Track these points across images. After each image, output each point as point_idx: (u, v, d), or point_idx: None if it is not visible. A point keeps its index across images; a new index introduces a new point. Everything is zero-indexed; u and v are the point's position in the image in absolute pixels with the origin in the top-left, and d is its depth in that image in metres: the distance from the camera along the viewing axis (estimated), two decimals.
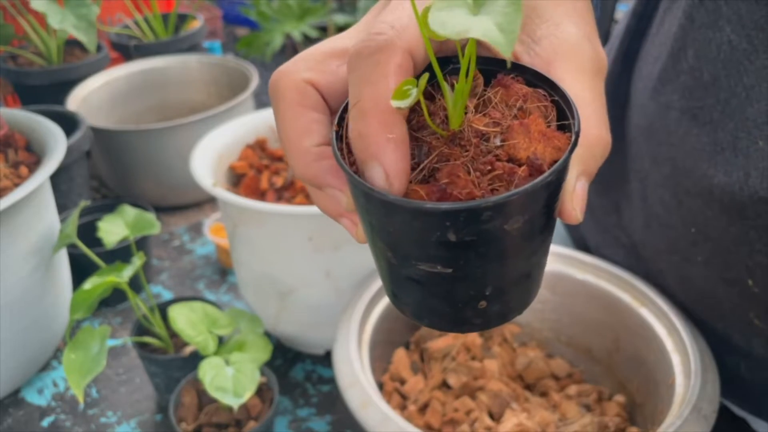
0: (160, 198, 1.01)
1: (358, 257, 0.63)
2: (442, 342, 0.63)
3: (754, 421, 0.57)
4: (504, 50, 0.20)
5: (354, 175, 0.25)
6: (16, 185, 0.65)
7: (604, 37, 0.57)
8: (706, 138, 0.46)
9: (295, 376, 0.73)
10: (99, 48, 1.20)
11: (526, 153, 0.25)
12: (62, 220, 0.76)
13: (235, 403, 0.56)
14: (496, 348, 0.64)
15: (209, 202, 1.04)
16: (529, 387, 0.64)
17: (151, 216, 0.70)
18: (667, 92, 0.50)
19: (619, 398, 0.60)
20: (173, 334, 0.67)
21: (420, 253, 0.25)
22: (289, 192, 0.76)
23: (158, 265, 0.91)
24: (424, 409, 0.59)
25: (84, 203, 0.72)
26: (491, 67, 0.28)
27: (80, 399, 0.56)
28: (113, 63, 1.25)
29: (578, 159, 0.28)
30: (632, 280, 0.60)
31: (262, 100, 1.40)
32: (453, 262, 0.25)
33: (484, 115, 0.27)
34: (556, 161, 0.25)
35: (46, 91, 1.09)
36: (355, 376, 0.52)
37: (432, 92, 0.28)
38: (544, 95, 0.27)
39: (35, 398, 0.71)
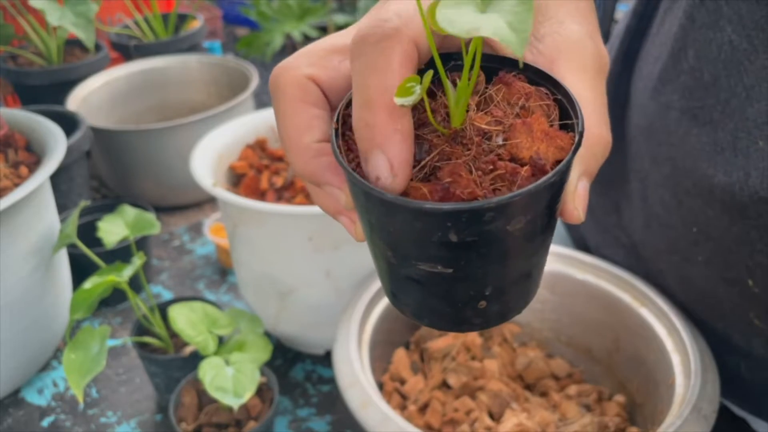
0: (160, 198, 1.01)
1: (358, 257, 0.63)
2: (442, 342, 0.63)
3: (754, 421, 0.57)
4: (516, 50, 0.20)
5: (354, 173, 0.25)
6: (16, 185, 0.65)
7: (605, 37, 0.57)
8: (706, 138, 0.46)
9: (295, 376, 0.73)
10: (99, 48, 1.20)
11: (529, 152, 0.25)
12: (62, 220, 0.76)
13: (235, 403, 0.56)
14: (496, 348, 0.64)
15: (209, 202, 1.04)
16: (529, 387, 0.64)
17: (151, 216, 0.70)
18: (667, 92, 0.50)
19: (619, 398, 0.60)
20: (173, 334, 0.67)
21: (420, 252, 0.25)
22: (289, 192, 0.76)
23: (158, 265, 0.91)
24: (424, 409, 0.59)
25: (84, 203, 0.72)
26: (492, 64, 0.28)
27: (80, 399, 0.56)
28: (113, 63, 1.25)
29: (580, 159, 0.28)
30: (632, 280, 0.60)
31: (262, 100, 1.40)
32: (454, 262, 0.25)
33: (486, 113, 0.26)
34: (558, 161, 0.25)
35: (46, 91, 1.09)
36: (355, 376, 0.52)
37: (433, 89, 0.28)
38: (547, 93, 0.27)
39: (35, 398, 0.71)
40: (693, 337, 0.55)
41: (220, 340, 0.63)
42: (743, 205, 0.45)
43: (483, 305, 0.27)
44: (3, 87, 1.17)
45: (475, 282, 0.26)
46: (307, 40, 1.70)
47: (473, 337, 0.64)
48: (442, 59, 0.26)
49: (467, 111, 0.26)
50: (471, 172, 0.25)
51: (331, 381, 0.72)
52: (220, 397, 0.56)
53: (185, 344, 0.66)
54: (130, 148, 0.98)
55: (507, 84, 0.27)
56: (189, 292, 0.86)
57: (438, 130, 0.26)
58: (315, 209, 0.58)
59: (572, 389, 0.61)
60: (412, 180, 0.25)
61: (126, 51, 1.28)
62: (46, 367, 0.75)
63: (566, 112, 0.27)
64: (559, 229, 0.76)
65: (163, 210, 1.00)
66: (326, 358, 0.74)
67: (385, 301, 0.61)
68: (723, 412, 0.55)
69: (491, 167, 0.25)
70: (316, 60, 0.29)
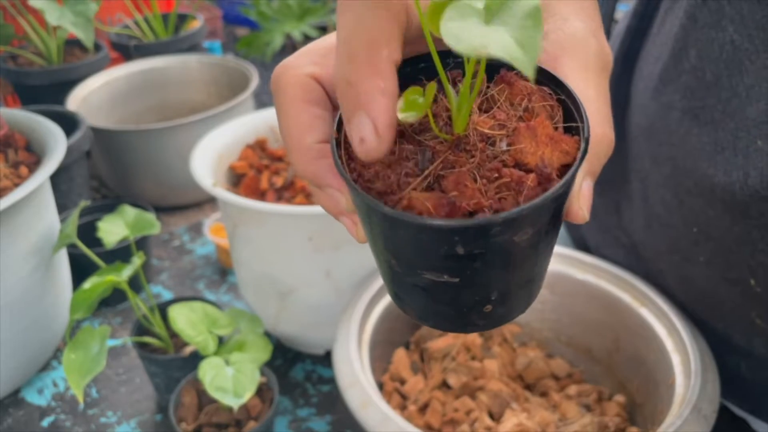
0: (160, 198, 1.01)
1: (358, 257, 0.63)
2: (442, 342, 0.63)
3: (754, 421, 0.57)
4: (526, 70, 0.19)
5: (355, 186, 0.24)
6: (16, 185, 0.65)
7: (605, 37, 0.57)
8: (706, 138, 0.46)
9: (295, 376, 0.72)
10: (99, 48, 1.20)
11: (534, 158, 0.24)
12: (62, 220, 0.76)
13: (235, 403, 0.56)
14: (496, 348, 0.64)
15: (209, 202, 1.04)
16: (529, 387, 0.63)
17: (151, 216, 0.70)
18: (668, 92, 0.50)
19: (619, 398, 0.60)
20: (173, 334, 0.67)
21: (425, 263, 0.25)
22: (289, 192, 0.76)
23: (158, 265, 0.91)
24: (424, 409, 0.59)
25: (84, 203, 0.72)
26: (492, 61, 0.27)
27: (80, 399, 0.56)
28: (113, 63, 1.25)
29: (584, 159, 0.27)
30: (632, 280, 0.60)
31: (262, 100, 1.40)
32: (460, 272, 0.25)
33: (489, 116, 0.26)
34: (563, 165, 0.25)
35: (46, 91, 1.09)
36: (355, 376, 0.52)
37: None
38: (550, 93, 0.26)
39: (35, 398, 0.71)
40: (693, 337, 0.55)
41: (220, 340, 0.63)
42: (744, 204, 0.45)
43: (488, 309, 0.27)
44: (3, 87, 1.17)
45: (480, 289, 0.26)
46: (307, 39, 1.70)
47: (473, 337, 0.64)
48: (440, 56, 0.25)
49: (470, 114, 0.26)
50: (476, 180, 0.24)
51: (331, 381, 0.72)
52: (220, 397, 0.56)
53: (185, 344, 0.66)
54: (130, 148, 0.98)
55: (509, 83, 0.27)
56: (189, 292, 0.85)
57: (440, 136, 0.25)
58: (315, 209, 0.58)
59: (572, 389, 0.61)
60: (415, 189, 0.24)
61: (126, 51, 1.28)
62: (46, 367, 0.75)
63: (570, 113, 0.26)
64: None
65: (163, 210, 1.00)
66: (326, 358, 0.74)
67: (385, 301, 0.61)
68: (723, 412, 0.55)
69: (496, 175, 0.24)
70: (318, 58, 0.28)
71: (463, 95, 0.24)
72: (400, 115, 0.23)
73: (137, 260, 0.62)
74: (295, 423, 0.67)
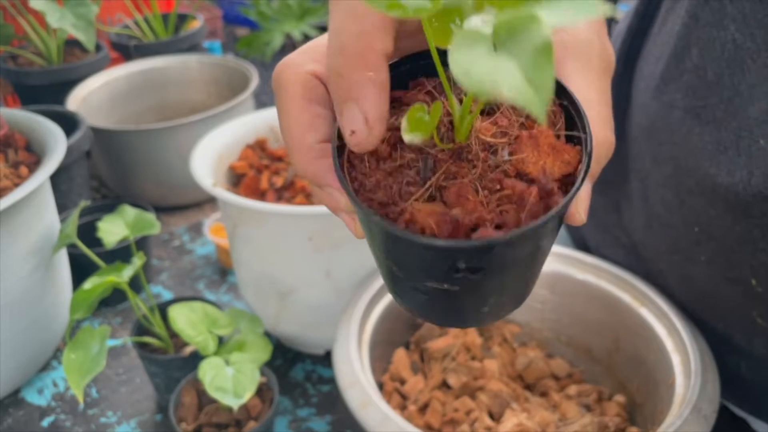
0: (160, 198, 1.01)
1: (358, 257, 0.63)
2: (442, 342, 0.63)
3: (754, 421, 0.57)
4: (539, 113, 0.17)
5: (357, 198, 0.24)
6: (16, 185, 0.65)
7: None
8: (708, 137, 0.46)
9: (295, 376, 0.72)
10: (99, 48, 1.20)
11: (535, 168, 0.24)
12: (62, 220, 0.76)
13: (235, 403, 0.56)
14: (496, 348, 0.64)
15: (209, 202, 1.04)
16: (529, 387, 0.63)
17: (151, 216, 0.70)
18: (670, 91, 0.50)
19: (619, 398, 0.60)
20: (173, 334, 0.67)
21: (427, 274, 0.25)
22: (289, 192, 0.76)
23: (158, 265, 0.91)
24: (424, 409, 0.59)
25: (84, 203, 0.72)
26: None
27: (80, 399, 0.55)
28: (113, 63, 1.25)
29: None
30: (632, 280, 0.60)
31: (262, 100, 1.40)
32: (460, 282, 0.25)
33: (491, 122, 0.25)
34: (565, 175, 0.25)
35: (46, 91, 1.09)
36: (355, 376, 0.52)
37: (434, 93, 0.27)
38: (552, 98, 0.26)
39: (35, 398, 0.71)
40: (693, 337, 0.55)
41: (220, 340, 0.63)
42: (746, 204, 0.44)
43: (485, 310, 0.27)
44: (3, 87, 1.17)
45: (480, 296, 0.26)
46: (307, 39, 1.70)
47: (473, 337, 0.64)
48: (440, 55, 0.24)
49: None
50: (477, 192, 0.24)
51: (331, 381, 0.72)
52: (220, 397, 0.56)
53: (185, 344, 0.66)
54: (130, 148, 0.98)
55: None
56: (189, 292, 0.85)
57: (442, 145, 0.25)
58: (315, 209, 0.58)
59: (572, 389, 0.61)
60: (418, 200, 0.24)
61: (126, 51, 1.28)
62: (46, 367, 0.75)
63: (572, 118, 0.26)
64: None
65: (163, 210, 1.00)
66: (326, 358, 0.74)
67: (385, 301, 0.61)
68: (723, 412, 0.55)
69: (498, 186, 0.24)
70: (320, 56, 0.28)
71: (466, 106, 0.24)
72: (406, 137, 0.23)
73: (137, 260, 0.62)
74: (295, 423, 0.67)
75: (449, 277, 0.24)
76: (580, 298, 0.63)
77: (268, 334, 0.74)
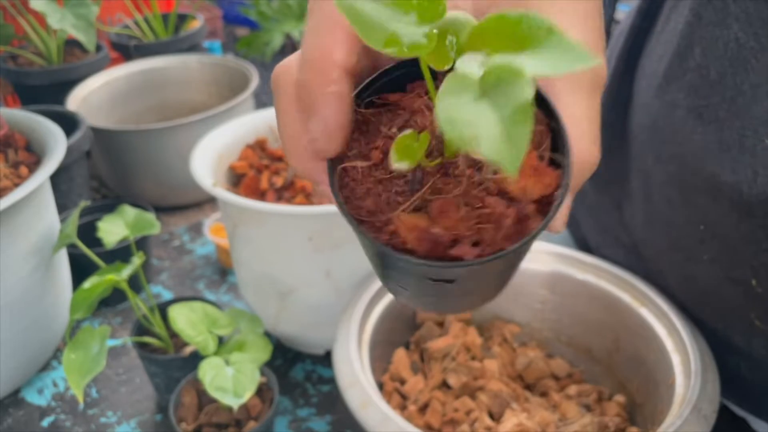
0: (160, 198, 1.01)
1: (358, 257, 0.63)
2: (442, 342, 0.63)
3: (754, 421, 0.57)
4: (510, 169, 0.18)
5: (345, 208, 0.25)
6: (16, 185, 0.65)
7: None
8: (711, 136, 0.46)
9: (295, 376, 0.73)
10: (99, 48, 1.20)
11: (516, 187, 0.25)
12: (62, 220, 0.76)
13: (235, 403, 0.56)
14: (496, 348, 0.64)
15: (209, 202, 1.04)
16: (529, 387, 0.63)
17: (151, 216, 0.70)
18: (672, 90, 0.50)
19: (619, 398, 0.60)
20: (173, 334, 0.67)
21: (410, 278, 0.28)
22: (289, 192, 0.76)
23: (158, 265, 0.91)
24: (424, 409, 0.59)
25: (84, 203, 0.72)
26: None
27: (80, 399, 0.56)
28: (113, 63, 1.25)
29: None
30: (632, 280, 0.60)
31: (262, 100, 1.40)
32: (436, 288, 0.27)
33: None
34: (544, 196, 0.25)
35: (46, 91, 1.09)
36: (355, 376, 0.52)
37: (423, 107, 0.27)
38: (539, 118, 0.26)
39: (35, 398, 0.71)
40: (693, 337, 0.55)
41: (220, 340, 0.63)
42: (751, 203, 0.44)
43: (462, 304, 0.32)
44: (3, 87, 1.17)
45: (455, 296, 0.30)
46: None
47: (473, 337, 0.64)
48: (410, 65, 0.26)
49: None
50: (459, 208, 0.25)
51: (331, 381, 0.72)
52: (220, 397, 0.56)
53: (185, 344, 0.66)
54: (130, 148, 0.98)
55: None
56: (189, 292, 0.85)
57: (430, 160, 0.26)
58: (315, 209, 0.58)
59: (572, 389, 0.61)
60: (404, 210, 0.25)
61: (126, 51, 1.28)
62: (46, 367, 0.75)
63: (558, 139, 0.26)
64: None
65: (163, 210, 1.00)
66: (326, 358, 0.74)
67: (385, 301, 0.61)
68: (723, 412, 0.55)
69: (479, 204, 0.25)
70: None
71: None
72: (394, 165, 0.24)
73: (137, 260, 0.62)
74: (295, 423, 0.67)
75: (426, 283, 0.27)
76: (581, 298, 0.63)
77: (268, 334, 0.74)
